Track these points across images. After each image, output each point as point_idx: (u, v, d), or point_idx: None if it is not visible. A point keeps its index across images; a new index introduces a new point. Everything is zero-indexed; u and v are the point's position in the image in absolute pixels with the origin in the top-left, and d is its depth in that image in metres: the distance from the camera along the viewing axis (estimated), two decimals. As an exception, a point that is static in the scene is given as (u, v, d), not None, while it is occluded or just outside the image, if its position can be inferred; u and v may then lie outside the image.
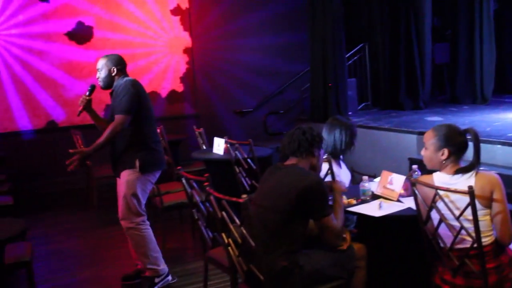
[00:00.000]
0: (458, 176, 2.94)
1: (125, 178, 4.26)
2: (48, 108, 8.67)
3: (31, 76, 8.56)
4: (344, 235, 3.19)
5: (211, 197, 3.05)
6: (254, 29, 9.99)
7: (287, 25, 10.09)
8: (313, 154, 3.19)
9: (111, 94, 4.36)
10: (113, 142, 4.27)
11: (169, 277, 4.45)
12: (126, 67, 4.43)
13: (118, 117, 4.14)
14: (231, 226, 2.98)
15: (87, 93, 4.33)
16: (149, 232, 4.37)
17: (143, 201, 4.35)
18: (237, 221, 2.92)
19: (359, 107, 8.91)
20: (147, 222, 4.40)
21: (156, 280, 4.35)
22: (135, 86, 4.25)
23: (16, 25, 8.49)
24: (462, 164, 2.98)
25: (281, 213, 2.97)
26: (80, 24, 8.81)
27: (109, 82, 4.33)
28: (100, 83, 4.35)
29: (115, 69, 4.30)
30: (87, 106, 4.31)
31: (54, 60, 8.66)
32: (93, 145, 4.14)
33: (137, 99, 4.20)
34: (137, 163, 4.21)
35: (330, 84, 8.14)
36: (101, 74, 4.31)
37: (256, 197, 3.18)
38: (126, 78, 4.30)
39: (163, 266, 4.41)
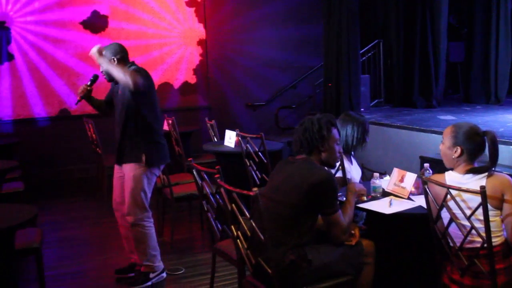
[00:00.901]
0: (469, 176, 2.92)
1: (131, 173, 4.23)
2: (61, 96, 8.71)
3: (45, 64, 8.62)
4: (353, 231, 3.19)
5: (222, 190, 3.05)
6: (269, 22, 9.96)
7: (302, 17, 10.05)
8: (319, 150, 3.16)
9: (115, 82, 4.29)
10: (120, 131, 4.26)
11: (164, 274, 4.40)
12: (128, 55, 4.33)
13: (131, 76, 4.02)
14: (241, 219, 2.98)
15: (89, 82, 4.30)
16: (152, 230, 4.35)
17: (150, 195, 4.34)
18: (247, 214, 2.92)
19: (371, 104, 8.89)
20: (152, 219, 4.37)
21: (151, 275, 4.32)
22: (144, 71, 4.20)
23: (31, 12, 8.53)
24: (477, 165, 2.97)
25: (291, 207, 2.97)
26: (95, 13, 8.84)
27: (111, 75, 4.20)
28: (104, 76, 4.28)
29: (115, 59, 4.20)
30: (86, 95, 4.30)
31: (68, 48, 8.70)
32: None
33: (145, 80, 4.12)
34: (143, 158, 4.19)
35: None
36: (103, 67, 4.20)
37: (266, 190, 3.18)
38: (133, 67, 4.23)
39: (158, 264, 4.37)
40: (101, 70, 4.25)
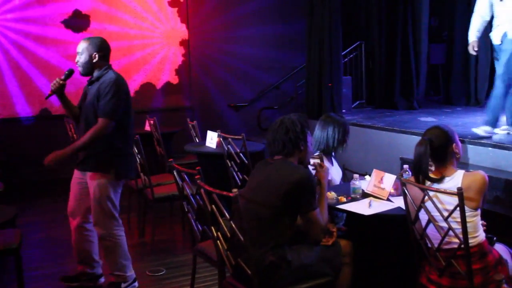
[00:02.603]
0: (447, 178, 2.97)
1: (95, 182, 3.98)
2: (42, 96, 8.64)
3: (27, 62, 8.56)
4: (333, 230, 3.22)
5: (202, 190, 3.06)
6: (251, 20, 9.97)
7: (285, 14, 10.07)
8: (300, 150, 3.18)
9: (89, 82, 4.05)
10: None
11: (136, 283, 4.19)
12: (110, 54, 4.08)
13: (102, 121, 3.85)
14: (221, 220, 2.99)
15: (63, 77, 3.99)
16: (122, 239, 4.12)
17: (117, 203, 4.09)
18: (227, 215, 2.92)
19: (353, 105, 8.93)
20: (122, 227, 4.15)
21: (123, 285, 4.11)
22: (123, 87, 3.96)
23: (11, 10, 8.46)
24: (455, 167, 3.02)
25: (270, 208, 2.99)
26: (76, 12, 8.78)
27: (89, 69, 3.99)
28: (79, 69, 4.00)
29: (96, 55, 3.96)
30: (58, 90, 3.99)
31: (50, 46, 8.64)
32: (70, 147, 3.93)
33: (124, 104, 3.93)
34: (112, 171, 3.96)
35: (330, 84, 8.16)
36: (81, 59, 3.97)
37: (245, 191, 3.19)
38: (111, 73, 3.98)
39: (130, 273, 4.16)
40: (76, 60, 4.00)
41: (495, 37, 5.43)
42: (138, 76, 9.30)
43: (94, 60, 3.97)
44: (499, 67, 5.37)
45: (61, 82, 3.99)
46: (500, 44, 5.37)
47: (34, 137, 8.45)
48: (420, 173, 2.98)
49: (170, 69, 9.54)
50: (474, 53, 5.81)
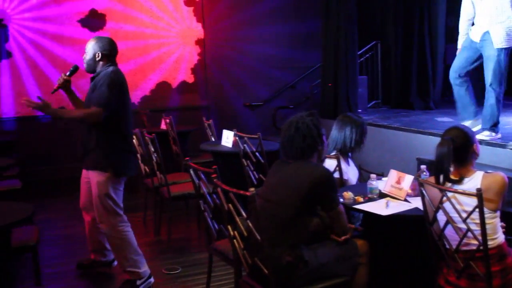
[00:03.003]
0: (466, 179, 2.94)
1: (95, 179, 4.04)
2: (60, 93, 8.68)
3: (44, 60, 8.65)
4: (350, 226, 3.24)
5: (219, 189, 3.06)
6: (267, 18, 9.94)
7: (301, 13, 10.03)
8: (318, 150, 3.18)
9: (91, 79, 4.14)
10: (87, 133, 4.06)
11: (151, 279, 4.21)
12: (116, 54, 4.16)
13: (94, 109, 3.90)
14: (237, 219, 2.99)
15: (68, 73, 4.17)
16: (130, 235, 4.15)
17: (119, 200, 4.13)
18: (244, 214, 2.92)
19: (369, 105, 8.91)
20: (127, 223, 4.18)
21: (138, 282, 4.11)
22: (118, 80, 4.00)
23: (29, 9, 8.55)
24: (475, 168, 2.99)
25: (289, 207, 2.98)
26: (93, 11, 8.84)
27: (92, 66, 4.10)
28: (84, 65, 4.14)
29: (99, 54, 4.06)
30: (64, 85, 4.17)
31: (67, 44, 8.70)
32: (60, 112, 4.12)
33: (117, 95, 3.95)
34: (110, 169, 4.00)
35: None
36: (86, 57, 4.11)
37: (262, 191, 3.19)
38: (110, 68, 4.05)
39: (144, 269, 4.17)
40: (83, 57, 4.15)
41: (475, 35, 5.33)
42: (154, 75, 9.34)
43: (97, 59, 4.08)
44: (487, 76, 5.27)
45: (65, 77, 4.17)
46: (479, 44, 5.29)
47: (51, 136, 8.52)
48: (442, 174, 2.95)
49: (185, 68, 9.57)
50: None
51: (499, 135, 5.32)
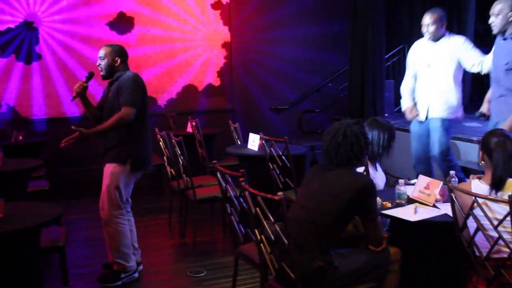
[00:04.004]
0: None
1: (109, 170, 4.27)
2: (89, 96, 8.77)
3: (74, 62, 8.79)
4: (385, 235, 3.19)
5: (246, 193, 3.05)
6: (293, 20, 9.95)
7: (328, 14, 10.00)
8: (362, 159, 3.16)
9: (110, 83, 4.38)
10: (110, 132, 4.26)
11: (136, 274, 4.46)
12: (128, 59, 4.43)
13: (125, 109, 4.15)
14: (265, 223, 2.98)
15: (85, 79, 4.34)
16: (125, 228, 4.38)
17: (125, 195, 4.36)
18: (271, 218, 2.91)
19: (395, 109, 8.82)
20: (126, 217, 4.41)
21: (123, 275, 4.36)
22: (140, 80, 4.30)
23: (59, 11, 8.70)
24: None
25: (327, 214, 2.94)
26: (121, 14, 8.93)
27: (110, 72, 4.33)
28: (102, 72, 4.35)
29: (118, 60, 4.31)
30: (82, 92, 4.32)
31: (96, 46, 8.76)
32: (94, 129, 4.18)
33: (141, 94, 4.24)
34: (129, 162, 4.24)
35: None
36: (103, 63, 4.31)
37: (299, 198, 3.16)
38: (129, 72, 4.31)
39: (131, 264, 4.41)
40: (98, 64, 4.34)
41: (422, 114, 5.35)
42: (181, 78, 9.39)
43: (116, 64, 4.32)
44: (434, 149, 5.22)
45: (83, 84, 4.32)
46: (425, 122, 5.30)
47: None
48: (504, 177, 2.86)
49: (212, 71, 9.61)
50: (413, 119, 5.55)
51: None
